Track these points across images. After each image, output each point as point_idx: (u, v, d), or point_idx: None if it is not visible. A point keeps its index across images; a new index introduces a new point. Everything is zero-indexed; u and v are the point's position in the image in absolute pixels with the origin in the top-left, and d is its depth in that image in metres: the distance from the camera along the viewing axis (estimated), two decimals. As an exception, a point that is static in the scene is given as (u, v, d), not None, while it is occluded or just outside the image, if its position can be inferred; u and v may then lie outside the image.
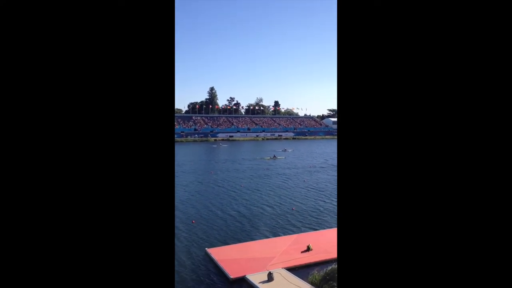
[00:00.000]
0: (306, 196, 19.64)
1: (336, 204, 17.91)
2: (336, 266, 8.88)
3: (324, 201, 18.59)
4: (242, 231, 13.21)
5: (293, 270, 9.55)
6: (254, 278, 8.93)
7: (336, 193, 20.47)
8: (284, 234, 12.84)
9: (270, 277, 8.76)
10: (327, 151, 48.85)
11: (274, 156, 39.69)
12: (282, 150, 47.41)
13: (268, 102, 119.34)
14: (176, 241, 11.49)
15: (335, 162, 36.81)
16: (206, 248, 11.07)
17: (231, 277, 9.10)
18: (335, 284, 8.17)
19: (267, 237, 12.52)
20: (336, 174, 28.10)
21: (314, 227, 13.91)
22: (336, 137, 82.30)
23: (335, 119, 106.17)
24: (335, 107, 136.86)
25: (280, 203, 17.85)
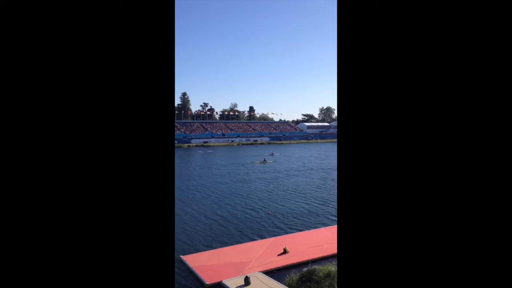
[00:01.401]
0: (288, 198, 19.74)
1: (315, 205, 18.35)
2: (312, 267, 8.93)
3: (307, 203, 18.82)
4: (225, 236, 13.07)
5: (270, 273, 9.51)
6: (230, 283, 8.81)
7: (313, 194, 20.99)
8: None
9: (246, 281, 8.68)
10: (314, 155, 51.16)
11: (264, 160, 41.16)
12: (270, 154, 48.97)
13: (243, 108, 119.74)
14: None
15: (322, 164, 38.59)
16: (181, 256, 10.83)
17: (207, 283, 8.94)
18: (312, 285, 8.21)
19: (247, 240, 12.44)
20: (322, 174, 29.26)
21: (292, 229, 13.95)
22: (310, 141, 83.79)
23: (310, 124, 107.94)
24: (309, 112, 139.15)
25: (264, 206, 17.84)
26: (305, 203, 18.97)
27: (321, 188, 23.64)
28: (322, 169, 34.24)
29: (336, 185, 24.49)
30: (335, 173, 30.70)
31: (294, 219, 15.60)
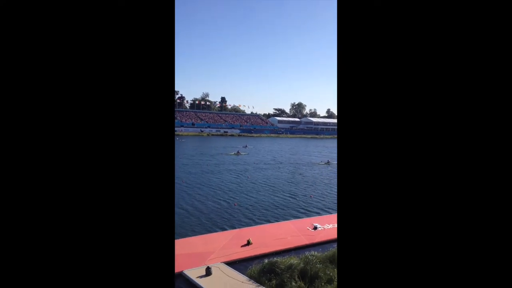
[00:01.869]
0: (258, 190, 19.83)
1: (286, 197, 18.74)
2: (273, 259, 9.05)
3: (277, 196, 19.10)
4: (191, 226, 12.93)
5: (232, 264, 9.53)
6: (191, 273, 8.74)
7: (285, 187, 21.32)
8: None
9: (208, 272, 8.65)
10: (284, 149, 52.34)
11: (238, 152, 41.53)
12: (243, 147, 49.75)
13: (215, 98, 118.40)
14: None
15: (291, 158, 39.34)
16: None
17: (168, 272, 8.80)
18: (272, 277, 8.32)
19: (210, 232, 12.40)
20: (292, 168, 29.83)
21: (260, 220, 14.06)
22: (280, 135, 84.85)
23: (281, 118, 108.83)
24: (281, 106, 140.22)
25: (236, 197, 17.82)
26: (275, 195, 19.25)
27: (290, 182, 24.02)
28: (291, 163, 34.80)
29: (304, 179, 25.24)
30: (304, 167, 31.36)
31: (264, 211, 15.80)
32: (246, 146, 51.21)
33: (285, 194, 19.78)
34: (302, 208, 16.74)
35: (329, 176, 26.84)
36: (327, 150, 52.83)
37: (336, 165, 34.04)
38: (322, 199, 19.15)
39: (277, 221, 14.14)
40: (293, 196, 19.22)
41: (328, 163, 35.30)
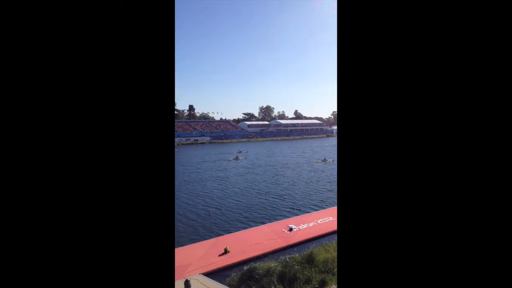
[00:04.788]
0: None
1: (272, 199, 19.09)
2: (252, 265, 9.11)
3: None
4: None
5: (210, 274, 9.49)
6: (170, 288, 8.62)
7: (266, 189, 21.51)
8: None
9: (187, 285, 8.53)
10: (260, 152, 54.54)
11: (237, 157, 44.13)
12: (238, 152, 51.73)
13: (182, 106, 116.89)
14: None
15: (269, 161, 40.35)
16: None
17: (146, 290, 8.62)
18: (252, 284, 8.37)
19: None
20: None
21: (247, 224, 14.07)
22: (251, 139, 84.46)
23: (250, 123, 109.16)
24: (249, 110, 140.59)
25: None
26: (260, 198, 19.66)
27: (274, 184, 24.60)
28: (269, 165, 35.41)
29: (285, 180, 25.75)
30: (285, 170, 31.85)
31: (252, 214, 16.26)
32: (240, 151, 53.32)
33: (273, 196, 19.96)
34: (291, 208, 16.94)
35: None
36: (318, 149, 55.52)
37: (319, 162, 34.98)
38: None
39: (266, 222, 14.25)
40: (281, 197, 19.40)
41: (324, 160, 38.15)
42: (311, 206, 17.95)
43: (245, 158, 44.73)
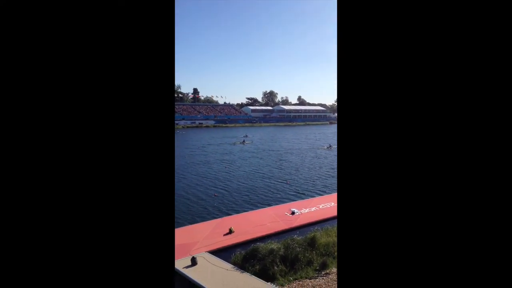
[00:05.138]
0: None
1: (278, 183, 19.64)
2: (256, 245, 9.47)
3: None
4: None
5: (216, 252, 9.87)
6: (177, 264, 9.01)
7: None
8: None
9: (193, 262, 8.95)
10: (264, 137, 55.64)
11: (244, 141, 46.11)
12: (244, 136, 53.29)
13: (187, 90, 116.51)
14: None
15: (273, 146, 41.09)
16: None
17: (154, 265, 9.03)
18: (255, 262, 8.75)
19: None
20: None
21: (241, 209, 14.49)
22: (254, 124, 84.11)
23: (254, 107, 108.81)
24: (253, 95, 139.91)
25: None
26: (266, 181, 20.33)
27: (278, 168, 25.21)
28: (272, 150, 36.04)
29: (288, 164, 26.27)
30: (288, 154, 32.24)
31: (257, 196, 16.72)
32: (246, 135, 54.77)
33: (278, 179, 20.40)
34: (295, 191, 17.36)
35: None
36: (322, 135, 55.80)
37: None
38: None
39: (273, 204, 14.71)
40: (284, 181, 19.80)
41: (330, 147, 38.90)
42: (315, 191, 18.33)
43: (251, 142, 46.32)
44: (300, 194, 17.66)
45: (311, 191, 18.27)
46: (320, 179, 21.62)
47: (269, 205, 15.33)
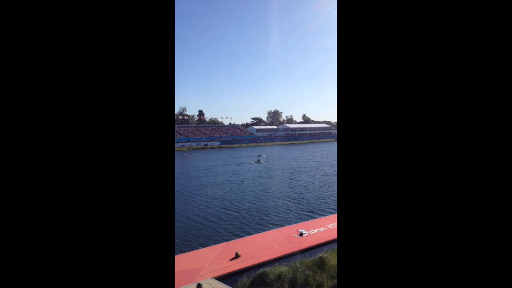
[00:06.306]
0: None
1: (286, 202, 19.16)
2: (263, 270, 9.13)
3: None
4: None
5: (222, 279, 9.55)
6: (182, 292, 8.71)
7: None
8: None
9: (199, 289, 8.63)
10: (270, 156, 55.86)
11: (258, 160, 46.27)
12: (258, 155, 53.87)
13: (192, 112, 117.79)
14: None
15: (281, 165, 40.82)
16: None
17: (158, 294, 8.72)
18: (263, 287, 8.40)
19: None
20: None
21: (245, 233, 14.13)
22: (260, 144, 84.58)
23: (259, 127, 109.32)
24: (258, 115, 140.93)
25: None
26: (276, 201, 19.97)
27: (290, 188, 25.02)
28: (282, 169, 35.75)
29: (298, 183, 25.95)
30: (297, 174, 31.98)
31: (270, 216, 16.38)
32: (260, 155, 55.48)
33: (288, 199, 20.01)
34: (308, 211, 16.96)
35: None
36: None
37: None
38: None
39: (285, 225, 14.33)
40: (299, 201, 19.45)
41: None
42: (325, 209, 18.04)
43: (266, 161, 45.89)
44: (312, 213, 17.35)
45: (323, 210, 17.98)
46: (332, 197, 21.33)
47: (281, 225, 14.98)
